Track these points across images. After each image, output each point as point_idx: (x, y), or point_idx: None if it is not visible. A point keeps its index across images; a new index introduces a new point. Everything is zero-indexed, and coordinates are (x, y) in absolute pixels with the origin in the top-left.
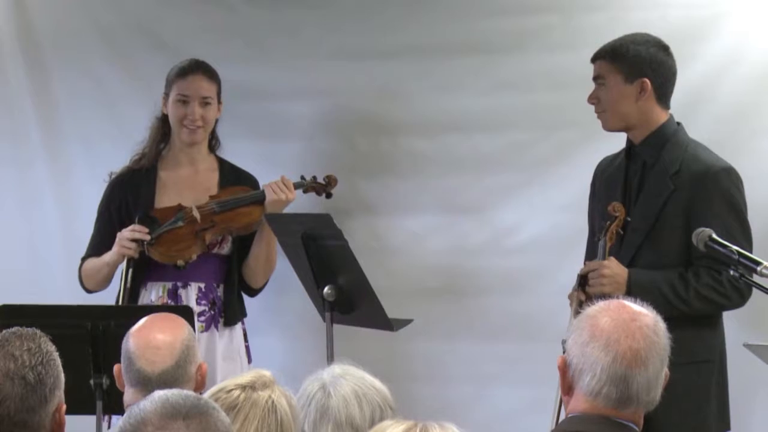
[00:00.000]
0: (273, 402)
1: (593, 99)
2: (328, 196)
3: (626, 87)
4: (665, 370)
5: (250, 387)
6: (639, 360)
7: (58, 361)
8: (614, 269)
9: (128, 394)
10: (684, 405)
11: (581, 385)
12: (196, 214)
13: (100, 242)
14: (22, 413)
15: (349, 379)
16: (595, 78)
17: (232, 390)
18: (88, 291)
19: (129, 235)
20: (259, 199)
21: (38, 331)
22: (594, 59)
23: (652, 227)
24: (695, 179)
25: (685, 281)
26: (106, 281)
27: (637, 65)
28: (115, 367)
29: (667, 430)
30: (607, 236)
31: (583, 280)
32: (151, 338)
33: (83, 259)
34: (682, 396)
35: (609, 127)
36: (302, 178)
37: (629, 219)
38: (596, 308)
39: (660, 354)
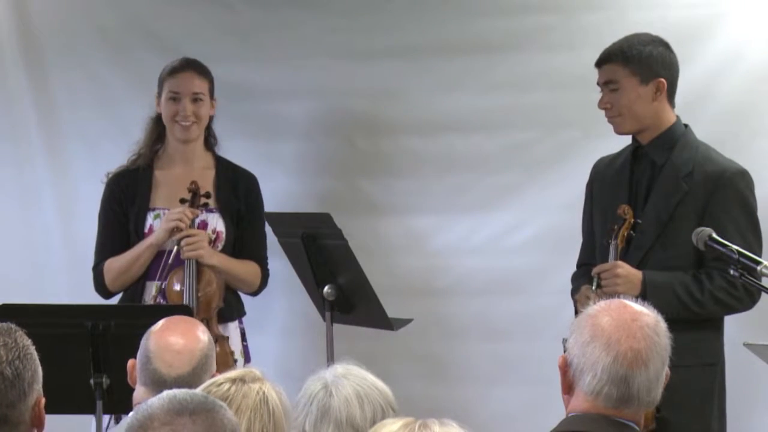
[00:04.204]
0: (264, 393)
1: (606, 104)
2: (207, 196)
3: (642, 88)
4: (666, 370)
5: (240, 380)
6: (640, 360)
7: (35, 355)
8: (628, 269)
9: (139, 392)
10: (688, 407)
11: (582, 384)
12: (196, 304)
13: (110, 242)
14: (1, 408)
15: (351, 379)
16: (606, 83)
17: (222, 383)
18: (110, 293)
19: (177, 215)
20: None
21: (13, 326)
22: (601, 63)
23: (663, 228)
24: (710, 181)
25: (700, 283)
26: (142, 269)
27: (652, 65)
28: (130, 362)
29: None
30: (618, 239)
31: (597, 281)
32: (173, 341)
33: (97, 265)
34: (687, 398)
35: (624, 131)
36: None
37: (639, 221)
38: (597, 308)
39: (661, 354)
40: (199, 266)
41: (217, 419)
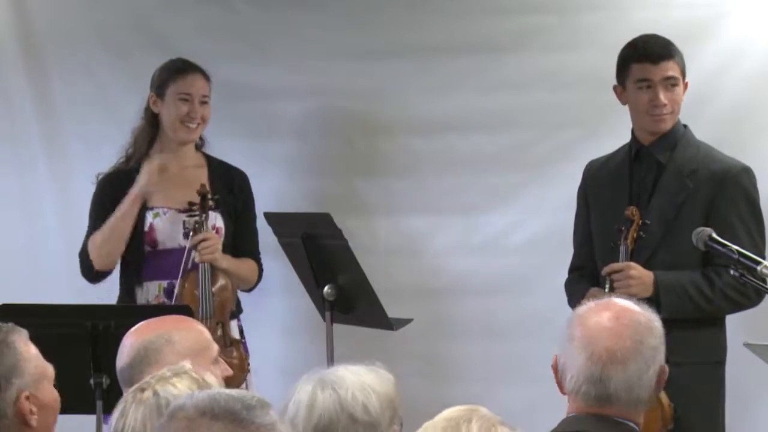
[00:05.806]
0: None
1: (666, 100)
2: (216, 203)
3: (682, 86)
4: (657, 368)
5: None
6: (615, 360)
7: (17, 349)
8: (641, 270)
9: None
10: (700, 406)
11: (566, 384)
12: (211, 308)
13: None
14: None
15: (350, 378)
16: (668, 78)
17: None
18: (96, 272)
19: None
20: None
21: None
22: (661, 59)
23: (669, 228)
24: (715, 179)
25: (710, 281)
26: (129, 228)
27: (684, 65)
28: None
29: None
30: (628, 241)
31: (609, 283)
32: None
33: (83, 250)
34: (699, 397)
35: (666, 128)
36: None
37: (647, 222)
38: (585, 308)
39: (644, 354)
40: (213, 270)
41: (235, 431)
